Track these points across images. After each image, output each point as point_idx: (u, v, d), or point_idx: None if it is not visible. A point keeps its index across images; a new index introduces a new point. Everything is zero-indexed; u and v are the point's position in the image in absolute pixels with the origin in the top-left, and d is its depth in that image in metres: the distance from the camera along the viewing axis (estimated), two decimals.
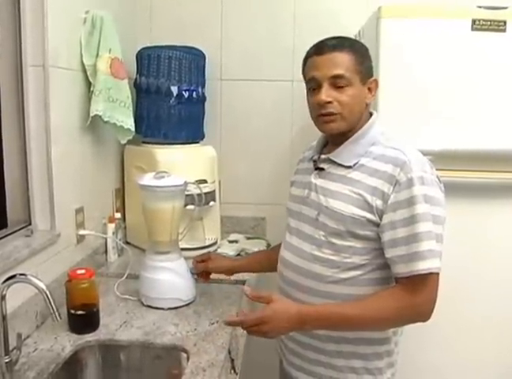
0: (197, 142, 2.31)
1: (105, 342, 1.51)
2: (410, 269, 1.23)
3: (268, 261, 1.64)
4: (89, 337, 1.51)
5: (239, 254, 2.19)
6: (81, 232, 1.88)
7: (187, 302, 1.72)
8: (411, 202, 1.25)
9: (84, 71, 1.86)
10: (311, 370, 1.44)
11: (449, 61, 1.79)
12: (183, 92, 2.16)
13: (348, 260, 1.33)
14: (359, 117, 1.36)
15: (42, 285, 1.20)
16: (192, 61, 2.18)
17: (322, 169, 1.40)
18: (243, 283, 1.93)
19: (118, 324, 1.59)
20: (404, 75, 1.80)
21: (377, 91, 1.40)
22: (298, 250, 1.42)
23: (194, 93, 2.20)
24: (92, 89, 1.85)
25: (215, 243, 2.25)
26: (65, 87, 1.75)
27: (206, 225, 2.20)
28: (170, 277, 1.69)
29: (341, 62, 1.31)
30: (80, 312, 1.52)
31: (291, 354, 1.49)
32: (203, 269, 1.74)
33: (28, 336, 1.49)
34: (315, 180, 1.40)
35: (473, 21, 1.76)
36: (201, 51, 2.25)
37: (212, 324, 1.60)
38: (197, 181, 2.03)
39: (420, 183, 1.25)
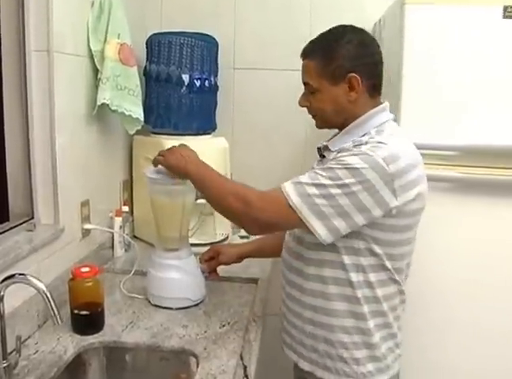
0: (209, 133, 2.24)
1: (110, 344, 1.43)
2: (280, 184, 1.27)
3: (277, 246, 1.58)
4: (93, 339, 1.43)
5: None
6: (87, 226, 1.80)
7: (197, 302, 1.64)
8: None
9: (92, 57, 1.77)
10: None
11: (478, 51, 1.68)
12: (195, 81, 2.08)
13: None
14: (342, 115, 1.35)
15: (42, 286, 1.12)
16: (204, 49, 2.10)
17: (324, 156, 1.41)
18: (256, 281, 1.85)
19: (124, 324, 1.51)
20: (429, 65, 1.69)
21: (362, 85, 1.31)
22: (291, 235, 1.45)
23: (206, 82, 2.12)
24: (99, 76, 1.77)
25: (226, 238, 2.18)
26: (71, 74, 1.67)
27: (217, 220, 2.11)
28: (179, 275, 1.61)
29: (306, 70, 1.35)
30: (83, 312, 1.44)
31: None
32: (216, 266, 1.68)
33: (29, 337, 1.41)
34: (317, 167, 1.37)
35: (505, 8, 1.64)
36: (213, 39, 2.17)
37: (223, 326, 1.52)
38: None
39: (353, 154, 1.23)
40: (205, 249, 1.88)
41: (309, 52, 1.36)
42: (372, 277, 1.30)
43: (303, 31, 2.21)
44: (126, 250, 2.06)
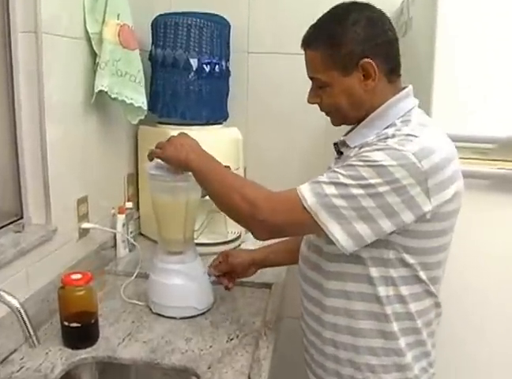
0: (220, 123, 2.08)
1: (104, 359, 1.29)
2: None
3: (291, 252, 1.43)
4: (85, 353, 1.28)
5: None
6: (84, 225, 1.65)
7: (203, 311, 1.49)
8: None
9: (89, 40, 1.61)
10: None
11: None
12: (204, 66, 1.92)
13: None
14: (361, 108, 1.18)
15: (15, 303, 0.98)
16: (214, 31, 1.93)
17: (342, 153, 1.25)
18: (269, 286, 1.68)
19: (121, 336, 1.36)
20: (465, 47, 1.48)
21: (379, 70, 1.14)
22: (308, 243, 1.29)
23: (217, 67, 1.96)
24: (97, 61, 1.61)
25: (238, 237, 2.01)
26: (64, 58, 1.51)
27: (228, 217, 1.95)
28: (183, 282, 1.45)
29: (311, 62, 1.20)
30: (74, 324, 1.29)
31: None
32: (226, 270, 1.53)
33: (14, 350, 1.28)
34: (334, 165, 1.22)
35: None
36: (225, 19, 2.00)
37: (231, 339, 1.36)
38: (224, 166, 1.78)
39: (378, 148, 1.06)
40: (215, 249, 1.76)
41: (311, 41, 1.19)
42: (404, 291, 1.14)
43: (324, 11, 2.05)
44: (130, 250, 1.91)
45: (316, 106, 1.25)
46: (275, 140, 2.26)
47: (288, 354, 1.79)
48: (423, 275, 1.13)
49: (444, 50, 1.47)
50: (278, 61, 2.19)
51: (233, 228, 2.00)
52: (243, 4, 2.17)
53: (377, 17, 1.16)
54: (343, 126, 1.31)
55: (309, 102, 1.24)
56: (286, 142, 2.26)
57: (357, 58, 1.13)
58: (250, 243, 1.96)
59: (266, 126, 2.25)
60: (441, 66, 1.48)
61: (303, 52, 2.05)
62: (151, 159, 1.33)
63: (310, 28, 1.20)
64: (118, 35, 1.62)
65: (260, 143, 2.25)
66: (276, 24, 2.17)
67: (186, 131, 1.48)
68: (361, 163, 1.05)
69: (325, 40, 1.15)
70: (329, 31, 1.16)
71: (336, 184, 1.06)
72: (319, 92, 1.20)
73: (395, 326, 1.15)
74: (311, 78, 1.22)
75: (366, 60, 1.12)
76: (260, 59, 2.21)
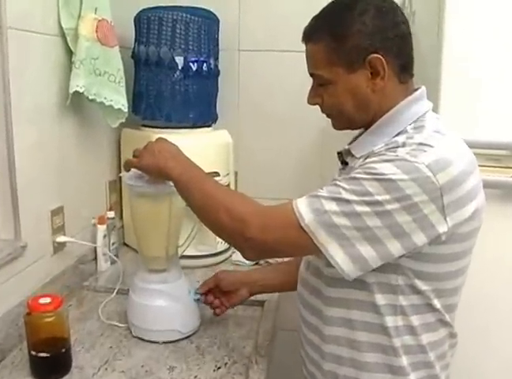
0: (209, 126, 1.96)
1: None
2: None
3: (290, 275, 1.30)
4: None
5: (257, 263, 1.80)
6: (59, 239, 1.51)
7: (188, 334, 1.35)
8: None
9: (64, 36, 1.48)
10: None
11: None
12: (191, 64, 1.79)
13: None
14: (367, 111, 1.06)
15: None
16: (202, 26, 1.80)
17: (347, 163, 1.13)
18: (262, 304, 1.55)
19: (97, 365, 1.23)
20: (475, 49, 1.36)
21: (389, 67, 1.02)
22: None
23: (205, 65, 1.83)
24: (73, 59, 1.48)
25: (229, 248, 1.88)
26: (36, 56, 1.39)
27: None
28: (166, 303, 1.32)
29: (312, 57, 1.09)
30: (43, 354, 1.15)
31: None
32: (213, 284, 1.39)
33: None
34: (339, 177, 1.08)
35: None
36: (213, 14, 1.87)
37: (219, 368, 1.23)
38: (207, 174, 1.65)
39: (386, 159, 0.94)
40: (203, 262, 1.71)
41: (313, 33, 1.07)
42: (415, 321, 1.01)
43: (321, 6, 1.90)
44: (112, 263, 1.77)
45: (314, 107, 1.13)
46: (268, 143, 2.14)
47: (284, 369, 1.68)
48: (437, 303, 1.01)
49: (453, 48, 1.34)
50: (271, 60, 2.07)
51: None
52: None
53: (388, 8, 1.03)
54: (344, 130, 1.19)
55: (309, 102, 1.13)
56: (280, 146, 2.14)
57: (364, 53, 1.01)
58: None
59: (258, 129, 2.13)
60: (449, 66, 1.36)
61: (298, 49, 1.90)
62: (127, 170, 1.20)
63: (312, 19, 1.09)
64: (96, 31, 1.49)
65: (252, 146, 2.13)
66: (270, 19, 2.04)
67: (172, 134, 1.37)
68: (366, 176, 0.92)
69: (328, 32, 1.03)
70: (334, 21, 1.04)
71: (338, 199, 0.93)
72: (320, 91, 1.09)
73: (404, 360, 1.02)
74: (312, 75, 1.10)
75: (374, 55, 1.00)
76: (252, 57, 2.08)
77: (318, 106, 1.13)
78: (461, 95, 1.38)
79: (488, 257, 1.39)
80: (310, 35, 1.07)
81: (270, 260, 1.73)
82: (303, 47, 2.00)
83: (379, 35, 1.01)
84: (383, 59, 1.00)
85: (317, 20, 1.08)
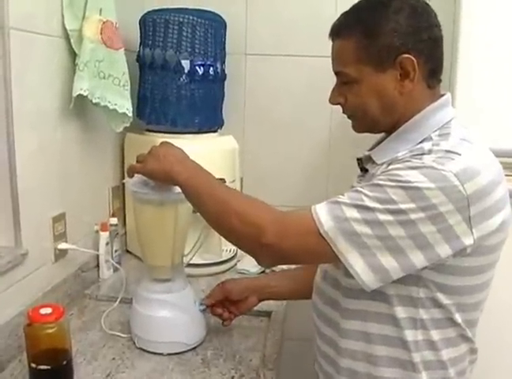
0: (215, 131, 1.93)
1: None
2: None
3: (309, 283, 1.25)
4: None
5: (263, 272, 1.76)
6: (61, 246, 1.47)
7: (193, 346, 1.31)
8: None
9: (68, 38, 1.45)
10: None
11: None
12: (197, 68, 1.77)
13: None
14: (392, 114, 1.04)
15: None
16: (209, 29, 1.78)
17: (367, 170, 1.10)
18: (269, 314, 1.51)
19: (100, 378, 1.19)
20: (492, 51, 1.34)
21: (419, 70, 0.99)
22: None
23: (211, 69, 1.81)
24: (76, 61, 1.44)
25: (234, 257, 1.84)
26: (39, 57, 1.35)
27: None
28: (170, 314, 1.27)
29: (339, 54, 1.06)
30: (43, 366, 1.10)
31: None
32: (221, 295, 1.35)
33: None
34: (357, 184, 1.06)
35: None
36: (220, 17, 1.85)
37: None
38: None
39: (412, 167, 0.91)
40: (208, 270, 1.69)
41: (342, 29, 1.04)
42: (435, 335, 0.98)
43: (328, 10, 1.89)
44: (114, 270, 1.73)
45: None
46: (274, 149, 2.13)
47: None
48: (458, 317, 0.98)
49: (468, 49, 1.31)
50: (278, 64, 2.07)
51: (228, 246, 1.82)
52: (241, 1, 2.03)
53: (423, 8, 1.01)
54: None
55: (331, 102, 1.10)
56: (286, 151, 2.12)
57: (395, 53, 0.98)
58: (247, 262, 1.79)
59: (265, 134, 2.12)
60: (464, 68, 1.32)
61: (305, 54, 1.88)
62: (131, 176, 1.16)
63: (341, 14, 1.06)
64: (101, 33, 1.46)
65: (258, 152, 2.12)
66: (277, 24, 2.04)
67: (177, 140, 1.32)
68: (391, 183, 0.89)
69: (360, 28, 1.01)
70: (367, 18, 1.01)
71: (360, 207, 0.90)
72: (344, 90, 1.06)
73: (424, 376, 0.99)
74: (337, 73, 1.08)
75: (405, 55, 0.98)
76: (259, 61, 2.08)
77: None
78: (479, 100, 1.36)
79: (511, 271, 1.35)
80: (340, 30, 1.05)
81: (274, 268, 1.69)
82: (311, 52, 2.00)
83: (412, 35, 0.98)
84: (415, 61, 0.98)
85: (347, 15, 1.05)
